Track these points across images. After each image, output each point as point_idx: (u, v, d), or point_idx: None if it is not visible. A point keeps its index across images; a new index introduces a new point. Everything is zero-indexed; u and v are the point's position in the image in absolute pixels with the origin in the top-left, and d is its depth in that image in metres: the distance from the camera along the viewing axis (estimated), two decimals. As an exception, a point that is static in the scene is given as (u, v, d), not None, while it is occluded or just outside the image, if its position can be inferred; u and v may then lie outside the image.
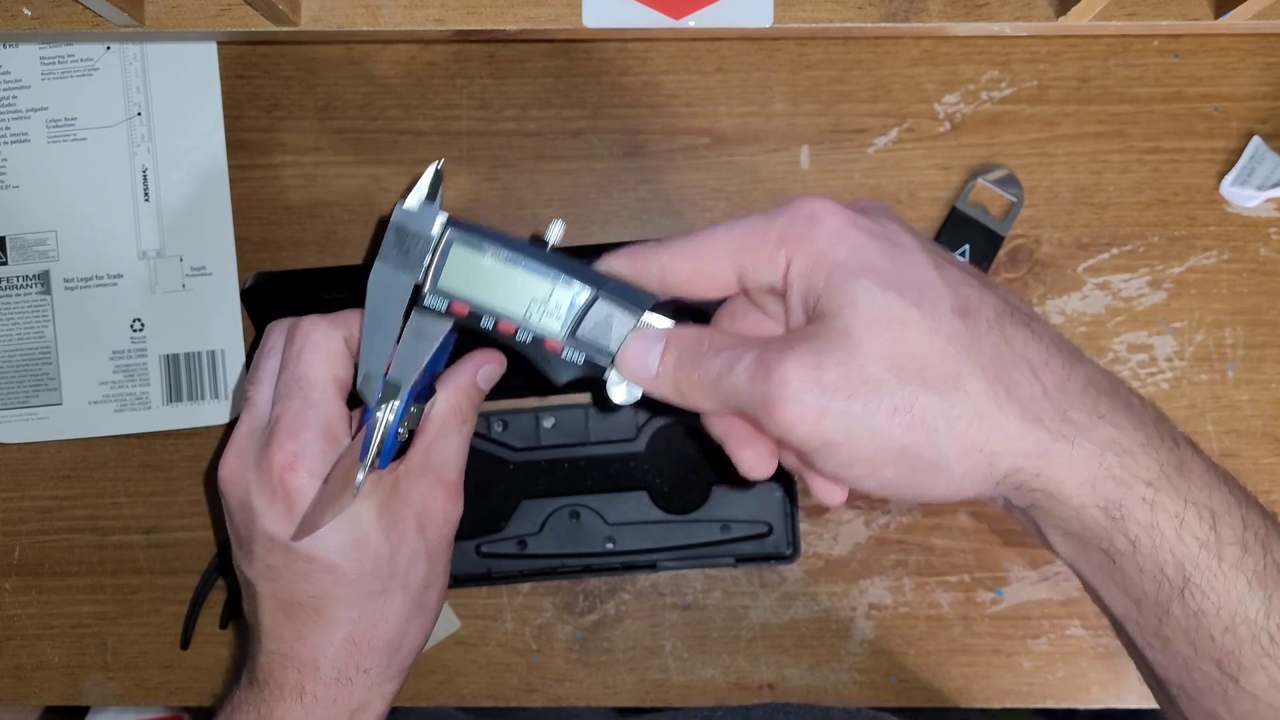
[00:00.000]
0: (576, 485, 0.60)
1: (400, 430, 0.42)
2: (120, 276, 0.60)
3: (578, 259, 0.38)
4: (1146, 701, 0.59)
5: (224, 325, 0.60)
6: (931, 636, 0.60)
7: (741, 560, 0.59)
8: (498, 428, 0.60)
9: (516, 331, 0.38)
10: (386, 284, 0.39)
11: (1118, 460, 0.32)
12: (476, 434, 0.59)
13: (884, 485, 0.34)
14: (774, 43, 0.60)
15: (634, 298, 0.37)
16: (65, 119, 0.60)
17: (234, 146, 0.60)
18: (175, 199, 0.60)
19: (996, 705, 0.60)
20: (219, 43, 0.60)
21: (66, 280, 0.60)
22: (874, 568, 0.60)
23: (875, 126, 0.60)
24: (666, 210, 0.60)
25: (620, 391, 0.39)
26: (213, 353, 0.60)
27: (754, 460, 0.38)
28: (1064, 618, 0.59)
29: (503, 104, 0.60)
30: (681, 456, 0.60)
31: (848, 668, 0.60)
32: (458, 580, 0.59)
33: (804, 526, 0.60)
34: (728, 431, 0.38)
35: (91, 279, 0.60)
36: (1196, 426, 0.59)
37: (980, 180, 0.59)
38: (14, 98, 0.60)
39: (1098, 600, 0.36)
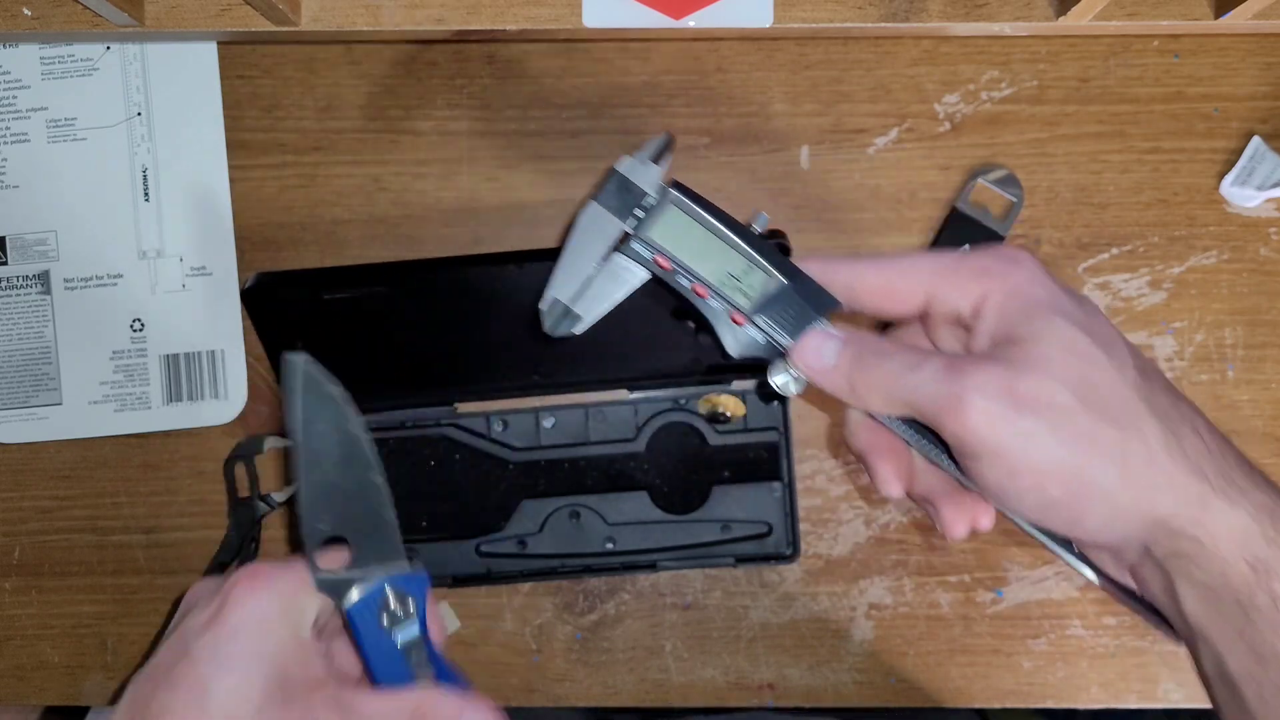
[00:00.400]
0: (576, 485, 0.60)
1: (379, 615, 0.38)
2: (120, 276, 0.60)
3: (773, 251, 0.41)
4: (1146, 701, 0.59)
5: (224, 325, 0.60)
6: (931, 636, 0.60)
7: (741, 560, 0.59)
8: (498, 428, 0.60)
9: (709, 296, 0.40)
10: (596, 223, 0.41)
11: (1271, 523, 0.35)
12: (476, 434, 0.60)
13: (1043, 503, 0.36)
14: (774, 43, 0.60)
15: (821, 298, 0.40)
16: (65, 119, 0.60)
17: (234, 146, 0.60)
18: (175, 199, 0.60)
19: (996, 705, 0.60)
20: (219, 43, 0.60)
21: (66, 280, 0.60)
22: (874, 568, 0.60)
23: (875, 126, 0.60)
24: (666, 210, 0.60)
25: (782, 380, 0.40)
26: (213, 353, 0.60)
27: (889, 475, 0.40)
28: (1064, 618, 0.59)
29: (503, 104, 0.60)
30: (681, 456, 0.60)
31: (848, 668, 0.60)
32: (458, 580, 0.59)
33: (804, 526, 0.60)
34: (872, 443, 0.40)
35: (91, 279, 0.60)
36: (1196, 426, 0.60)
37: (980, 180, 0.59)
38: (14, 98, 0.60)
39: (1212, 659, 0.37)
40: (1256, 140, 0.58)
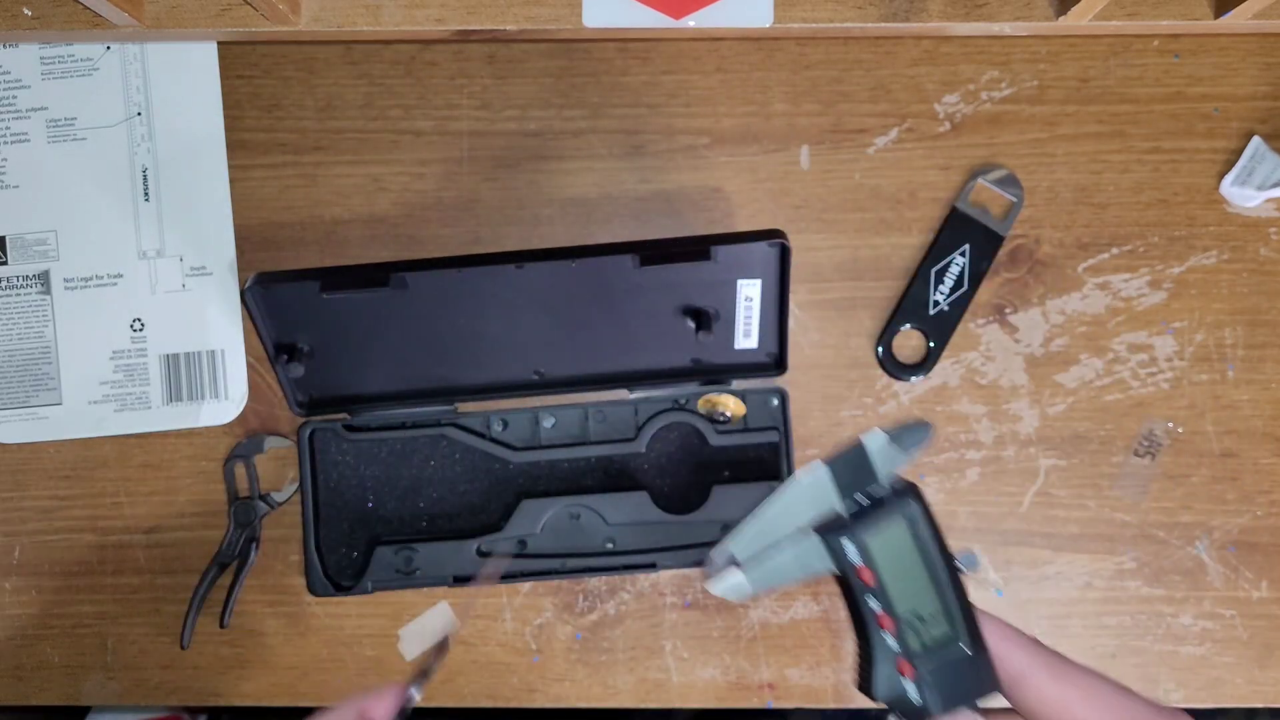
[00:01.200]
0: (576, 485, 0.60)
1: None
2: (120, 276, 0.60)
3: (968, 602, 0.36)
4: (1146, 701, 0.59)
5: (224, 325, 0.60)
6: (931, 636, 0.60)
7: (741, 560, 0.59)
8: (498, 427, 0.60)
9: (888, 630, 0.36)
10: (813, 490, 0.37)
11: None
12: (476, 434, 0.60)
13: None
14: (774, 43, 0.60)
15: (986, 678, 0.36)
16: (65, 119, 0.60)
17: (234, 146, 0.60)
18: (175, 199, 0.60)
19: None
20: (219, 43, 0.60)
21: (66, 280, 0.60)
22: (874, 568, 0.60)
23: (875, 126, 0.60)
24: (666, 210, 0.60)
25: None
26: (213, 353, 0.60)
27: None
28: (1064, 617, 0.59)
29: (503, 104, 0.60)
30: (681, 456, 0.60)
31: (848, 667, 0.60)
32: (458, 580, 0.59)
33: (804, 526, 0.60)
34: None
35: (91, 279, 0.60)
36: (1196, 426, 0.59)
37: (980, 180, 0.59)
38: (14, 98, 0.60)
39: None
40: (1256, 140, 0.58)
